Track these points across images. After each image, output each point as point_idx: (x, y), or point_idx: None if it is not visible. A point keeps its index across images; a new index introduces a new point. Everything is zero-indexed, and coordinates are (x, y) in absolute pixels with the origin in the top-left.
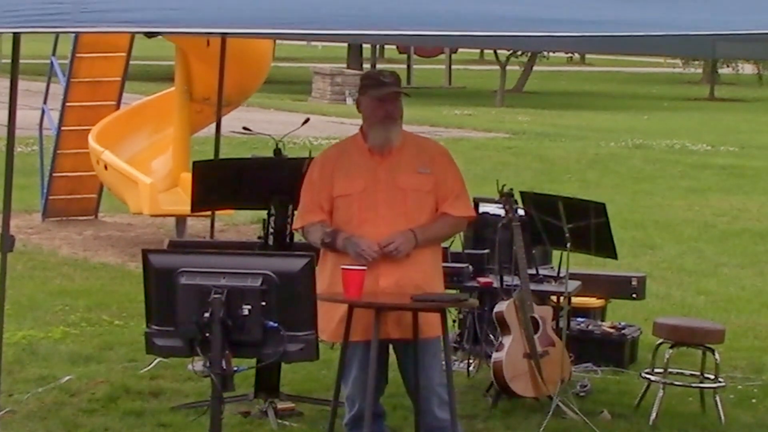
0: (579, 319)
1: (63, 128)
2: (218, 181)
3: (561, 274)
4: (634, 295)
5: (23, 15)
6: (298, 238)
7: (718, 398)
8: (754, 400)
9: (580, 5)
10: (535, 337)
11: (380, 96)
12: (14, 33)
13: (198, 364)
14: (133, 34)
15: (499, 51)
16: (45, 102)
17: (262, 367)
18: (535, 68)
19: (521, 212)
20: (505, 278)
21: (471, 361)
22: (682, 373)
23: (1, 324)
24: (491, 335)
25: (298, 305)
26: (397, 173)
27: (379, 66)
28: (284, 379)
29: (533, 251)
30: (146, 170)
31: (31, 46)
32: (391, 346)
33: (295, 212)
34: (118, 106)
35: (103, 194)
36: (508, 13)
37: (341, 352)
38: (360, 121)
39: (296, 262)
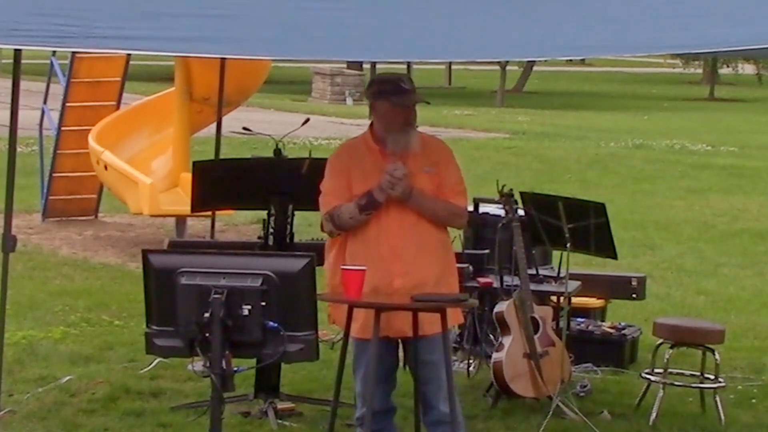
0: (579, 320)
1: (63, 128)
2: (218, 181)
3: (561, 274)
4: (634, 296)
5: (29, 34)
6: (298, 238)
7: (718, 398)
8: (754, 400)
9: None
10: (535, 337)
11: (402, 103)
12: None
13: (198, 364)
14: None
15: None
16: (45, 102)
17: (262, 367)
18: (535, 68)
19: (521, 212)
20: (505, 278)
21: (471, 361)
22: (682, 373)
23: (2, 324)
24: (491, 335)
25: (298, 305)
26: (409, 174)
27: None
28: (284, 379)
29: (533, 251)
30: (146, 170)
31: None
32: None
33: (295, 212)
34: (118, 106)
35: (103, 194)
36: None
37: (341, 351)
38: (362, 121)
39: (296, 262)
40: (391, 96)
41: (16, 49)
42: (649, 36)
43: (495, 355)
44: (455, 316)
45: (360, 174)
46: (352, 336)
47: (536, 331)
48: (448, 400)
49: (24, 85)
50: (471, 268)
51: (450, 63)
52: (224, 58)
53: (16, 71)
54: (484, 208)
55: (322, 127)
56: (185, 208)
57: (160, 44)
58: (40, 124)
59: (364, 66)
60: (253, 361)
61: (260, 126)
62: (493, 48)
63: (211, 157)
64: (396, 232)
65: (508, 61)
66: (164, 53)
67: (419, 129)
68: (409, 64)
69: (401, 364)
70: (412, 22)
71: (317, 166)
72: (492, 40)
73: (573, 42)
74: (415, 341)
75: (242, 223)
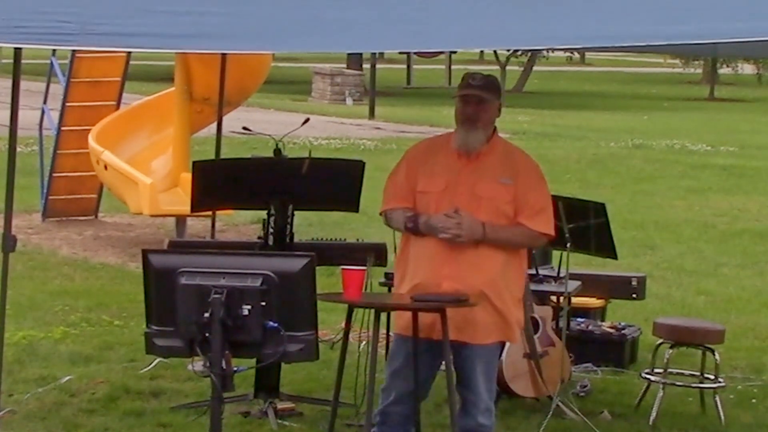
0: (579, 319)
1: (63, 128)
2: (218, 181)
3: (561, 274)
4: (634, 295)
5: (28, 32)
6: (298, 238)
7: (718, 398)
8: (754, 400)
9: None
10: (535, 337)
11: (461, 96)
12: (17, 48)
13: (198, 364)
14: None
15: (498, 51)
16: (45, 102)
17: (262, 367)
18: (535, 68)
19: None
20: None
21: None
22: (682, 373)
23: (2, 324)
24: None
25: (298, 305)
26: (479, 180)
27: (379, 66)
28: (284, 379)
29: (533, 251)
30: (146, 170)
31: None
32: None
33: (295, 212)
34: (118, 106)
35: (103, 194)
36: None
37: (341, 351)
38: (362, 121)
39: (296, 262)
40: (460, 89)
41: (16, 49)
42: (647, 27)
43: None
44: (513, 334)
45: (429, 169)
46: (393, 332)
47: (536, 331)
48: (487, 412)
49: (24, 85)
50: None
51: (450, 63)
52: (224, 55)
53: (16, 71)
54: None
55: (322, 127)
56: (185, 208)
57: (159, 41)
58: (40, 124)
59: (364, 66)
60: (253, 361)
61: (260, 126)
62: (492, 38)
63: (211, 157)
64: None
65: (508, 61)
66: (164, 50)
67: (425, 133)
68: (408, 65)
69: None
70: (412, 14)
71: (317, 166)
72: (491, 29)
73: (572, 32)
74: (470, 347)
75: (242, 223)
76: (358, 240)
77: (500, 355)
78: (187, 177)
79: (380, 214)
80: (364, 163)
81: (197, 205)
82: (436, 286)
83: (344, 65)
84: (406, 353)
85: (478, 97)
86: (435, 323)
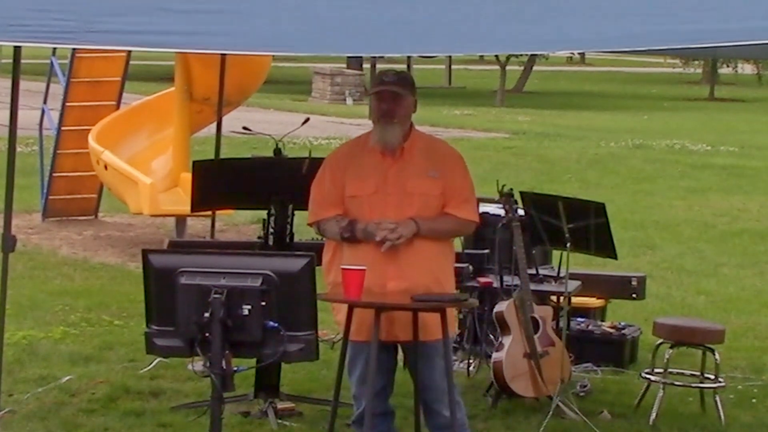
0: (579, 319)
1: (63, 128)
2: (218, 181)
3: (561, 274)
4: (634, 295)
5: (27, 30)
6: (298, 237)
7: (718, 398)
8: (754, 400)
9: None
10: (535, 337)
11: (376, 92)
12: (17, 46)
13: (198, 364)
14: None
15: None
16: (45, 102)
17: (262, 367)
18: (535, 68)
19: (521, 212)
20: (505, 278)
21: (471, 361)
22: (682, 373)
23: (2, 324)
24: (491, 335)
25: (298, 305)
26: (407, 177)
27: (379, 66)
28: (284, 379)
29: (533, 251)
30: (146, 170)
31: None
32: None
33: (295, 212)
34: (118, 106)
35: (103, 194)
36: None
37: (341, 351)
38: (362, 121)
39: (296, 262)
40: (373, 87)
41: (15, 48)
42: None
43: (495, 355)
44: (451, 325)
45: (355, 172)
46: (349, 338)
47: (536, 331)
48: (451, 405)
49: (24, 85)
50: (471, 268)
51: (450, 63)
52: (224, 55)
53: (16, 71)
54: (483, 207)
55: (322, 127)
56: (185, 208)
57: (159, 39)
58: (40, 124)
59: (364, 66)
60: (253, 361)
61: (260, 126)
62: (491, 42)
63: (211, 157)
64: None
65: (508, 61)
66: (164, 49)
67: (425, 131)
68: (408, 65)
69: (401, 364)
70: (413, 16)
71: (317, 166)
72: (489, 33)
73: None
74: (415, 347)
75: (242, 223)
76: None
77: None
78: (187, 177)
79: (309, 224)
80: None
81: (197, 205)
82: (381, 287)
83: (344, 65)
84: (364, 358)
85: (393, 93)
86: (391, 325)
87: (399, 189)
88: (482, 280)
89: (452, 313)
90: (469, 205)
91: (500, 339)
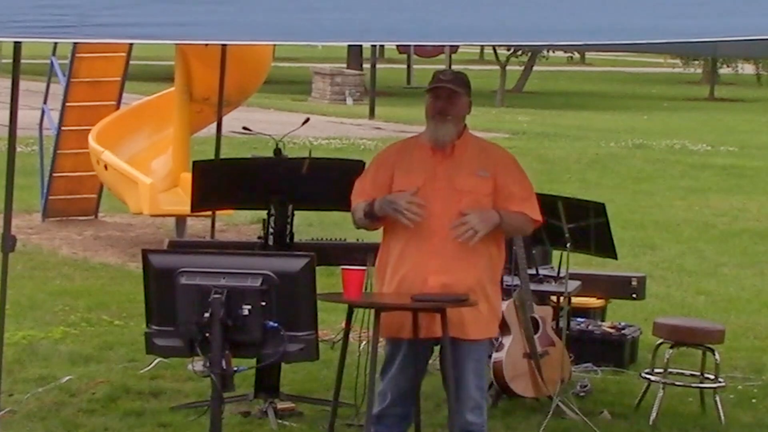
0: (579, 319)
1: (63, 128)
2: (218, 181)
3: (561, 274)
4: (634, 295)
5: (26, 25)
6: (298, 237)
7: (718, 398)
8: (754, 400)
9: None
10: (535, 337)
11: (432, 89)
12: (16, 42)
13: (198, 364)
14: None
15: (499, 51)
16: (45, 102)
17: (262, 367)
18: (535, 68)
19: None
20: (505, 278)
21: None
22: (682, 373)
23: (2, 324)
24: None
25: (298, 305)
26: (456, 174)
27: (379, 66)
28: (284, 379)
29: (533, 251)
30: (146, 170)
31: (32, 46)
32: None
33: (295, 212)
34: (118, 106)
35: (103, 194)
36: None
37: (341, 351)
38: (362, 121)
39: (296, 262)
40: (430, 84)
41: (15, 44)
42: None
43: (495, 355)
44: (479, 330)
45: (405, 167)
46: (384, 336)
47: (536, 331)
48: (476, 409)
49: (24, 84)
50: None
51: (450, 63)
52: (224, 54)
53: (16, 70)
54: None
55: (322, 127)
56: (185, 208)
57: (159, 31)
58: (40, 124)
59: (364, 66)
60: (253, 361)
61: (260, 126)
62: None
63: (211, 157)
64: (437, 230)
65: (508, 61)
66: (164, 41)
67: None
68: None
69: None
70: (413, 5)
71: (317, 166)
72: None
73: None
74: (461, 344)
75: (242, 223)
76: (358, 240)
77: (491, 352)
78: (187, 177)
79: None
80: (364, 163)
81: (197, 205)
82: (422, 280)
83: (344, 65)
84: (400, 355)
85: (449, 90)
86: (430, 322)
87: (447, 184)
88: None
89: (493, 311)
90: (531, 204)
91: (500, 339)
